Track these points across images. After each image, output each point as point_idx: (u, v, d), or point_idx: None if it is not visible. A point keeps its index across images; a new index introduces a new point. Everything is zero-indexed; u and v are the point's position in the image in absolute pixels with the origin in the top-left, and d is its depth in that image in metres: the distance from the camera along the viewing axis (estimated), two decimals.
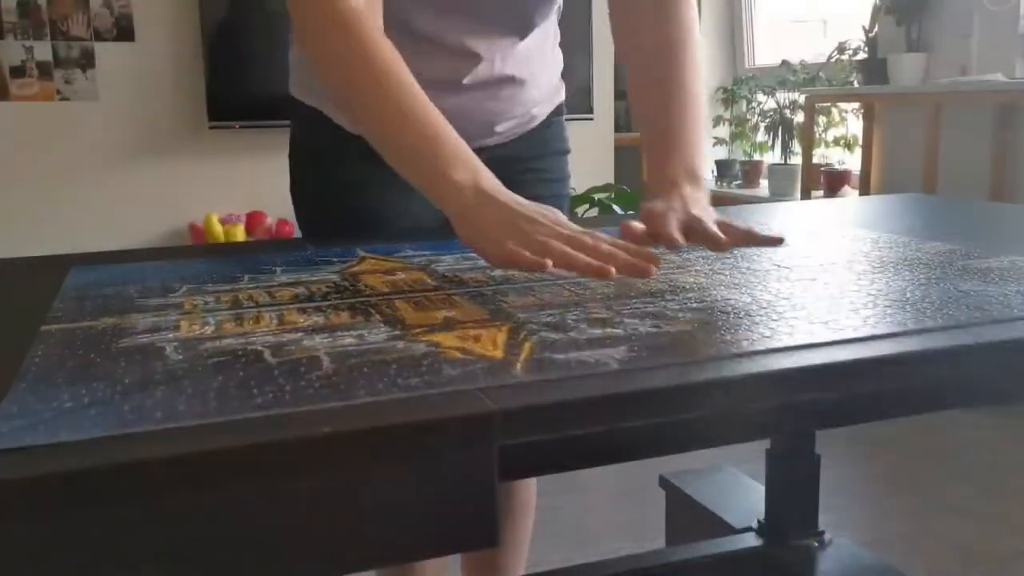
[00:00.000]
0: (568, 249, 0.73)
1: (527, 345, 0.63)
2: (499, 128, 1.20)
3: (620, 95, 4.99)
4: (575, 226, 0.79)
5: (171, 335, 0.68)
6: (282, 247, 1.14)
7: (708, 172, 1.05)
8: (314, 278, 0.88)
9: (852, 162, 4.04)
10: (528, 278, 0.86)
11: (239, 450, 0.46)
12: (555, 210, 0.82)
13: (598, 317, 0.70)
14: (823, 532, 1.03)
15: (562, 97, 1.29)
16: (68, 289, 0.87)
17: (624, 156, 4.40)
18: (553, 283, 0.83)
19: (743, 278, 0.82)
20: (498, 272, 0.89)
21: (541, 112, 1.26)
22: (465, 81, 1.12)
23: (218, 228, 3.52)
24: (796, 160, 4.28)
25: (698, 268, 0.87)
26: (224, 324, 0.71)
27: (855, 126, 4.10)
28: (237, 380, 0.56)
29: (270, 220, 3.65)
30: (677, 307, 0.72)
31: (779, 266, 0.88)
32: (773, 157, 4.47)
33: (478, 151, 1.22)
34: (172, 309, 0.77)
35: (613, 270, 0.69)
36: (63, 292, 0.85)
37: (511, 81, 1.16)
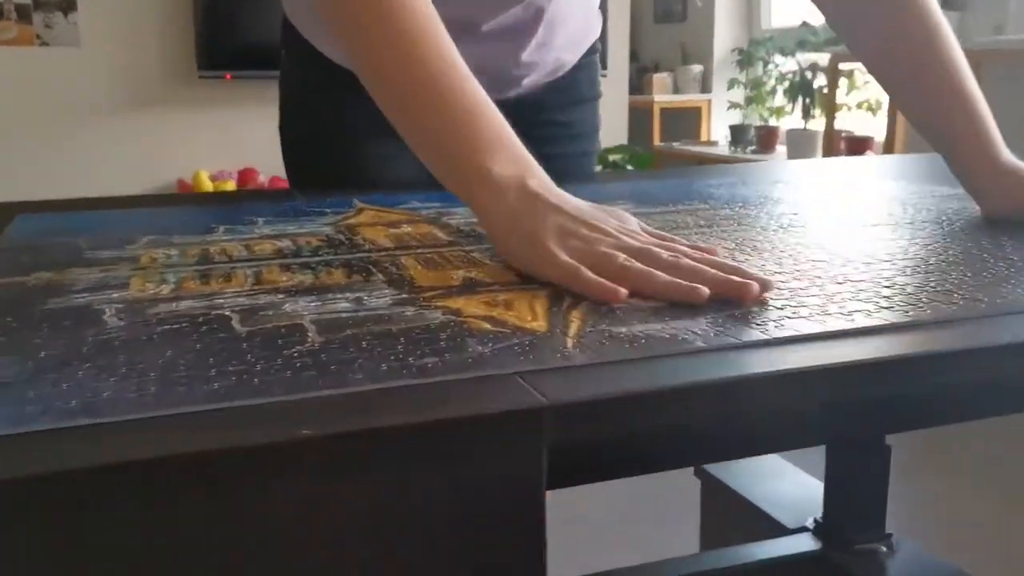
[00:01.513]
0: (642, 267, 0.53)
1: (576, 314, 0.48)
2: (527, 82, 1.04)
3: (633, 56, 4.80)
4: (647, 232, 0.59)
5: (116, 295, 0.53)
6: (269, 197, 0.99)
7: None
8: (302, 230, 0.74)
9: (873, 129, 3.87)
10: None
11: (179, 460, 0.32)
12: (623, 213, 0.61)
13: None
14: (890, 535, 0.89)
15: (597, 32, 1.13)
16: (6, 239, 0.72)
17: (636, 117, 4.23)
18: None
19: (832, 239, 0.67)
20: None
21: (573, 56, 1.09)
22: (485, 28, 0.95)
23: (208, 184, 3.34)
24: (813, 125, 4.11)
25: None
26: (186, 282, 0.56)
27: (877, 89, 3.92)
28: (191, 356, 0.42)
29: (263, 177, 3.47)
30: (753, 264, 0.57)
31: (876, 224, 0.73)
32: (789, 123, 4.29)
33: (495, 101, 1.05)
34: (125, 263, 0.62)
35: (706, 291, 0.49)
36: None
37: (539, 20, 0.98)
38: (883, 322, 0.46)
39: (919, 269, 0.58)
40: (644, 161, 3.50)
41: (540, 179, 0.60)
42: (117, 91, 3.38)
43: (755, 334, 0.45)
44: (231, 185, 3.38)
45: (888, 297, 0.51)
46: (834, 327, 0.46)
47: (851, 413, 0.51)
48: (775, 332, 0.45)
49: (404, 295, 0.52)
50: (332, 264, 0.61)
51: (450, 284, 0.55)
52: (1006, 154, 0.78)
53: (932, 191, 0.92)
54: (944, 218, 0.76)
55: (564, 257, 0.54)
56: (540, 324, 0.46)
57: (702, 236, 0.68)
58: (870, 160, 1.22)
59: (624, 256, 0.53)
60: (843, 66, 3.78)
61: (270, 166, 3.39)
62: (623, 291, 0.50)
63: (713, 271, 0.51)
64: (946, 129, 0.81)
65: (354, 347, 0.43)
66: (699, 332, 0.45)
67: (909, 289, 0.53)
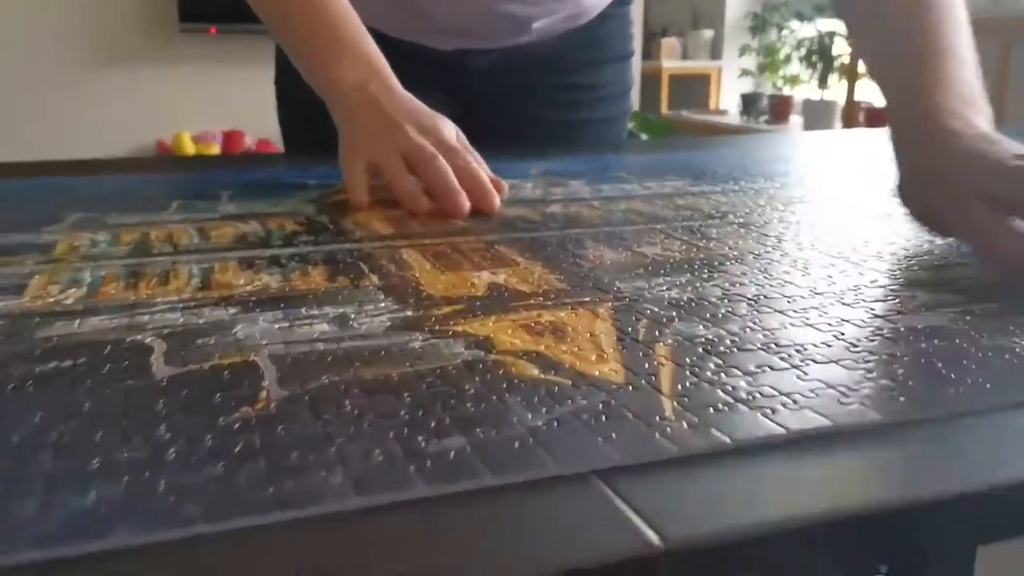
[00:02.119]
0: (441, 166, 0.59)
1: (662, 350, 0.33)
2: (537, 25, 0.87)
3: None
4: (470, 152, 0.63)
5: (1, 304, 0.38)
6: (241, 163, 0.83)
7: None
8: (276, 209, 0.58)
9: None
10: (602, 216, 0.55)
11: None
12: (449, 124, 0.64)
13: (763, 294, 0.40)
14: None
15: None
16: None
17: (644, 84, 4.05)
18: (648, 225, 0.52)
19: None
20: (558, 207, 0.59)
21: (597, 3, 0.92)
22: None
23: (190, 147, 3.12)
24: (829, 95, 3.93)
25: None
26: (105, 285, 0.41)
27: None
28: (71, 425, 0.26)
29: (249, 140, 3.24)
30: (914, 281, 0.42)
31: None
32: (804, 92, 4.12)
33: (506, 50, 0.88)
34: (34, 253, 0.46)
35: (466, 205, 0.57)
36: None
37: None
38: None
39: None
40: (660, 129, 3.33)
41: (385, 82, 0.64)
42: (92, 45, 3.12)
43: (950, 402, 0.29)
44: (215, 148, 3.18)
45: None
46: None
47: None
48: None
49: (408, 311, 0.37)
50: (310, 259, 0.45)
51: (472, 294, 0.39)
52: (974, 129, 0.49)
53: None
54: None
55: (357, 163, 0.60)
56: (614, 368, 0.31)
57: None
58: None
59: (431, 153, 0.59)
60: None
61: (259, 128, 3.18)
62: (361, 199, 0.59)
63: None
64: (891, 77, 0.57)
65: (331, 412, 0.27)
66: (867, 394, 0.29)
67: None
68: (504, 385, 0.29)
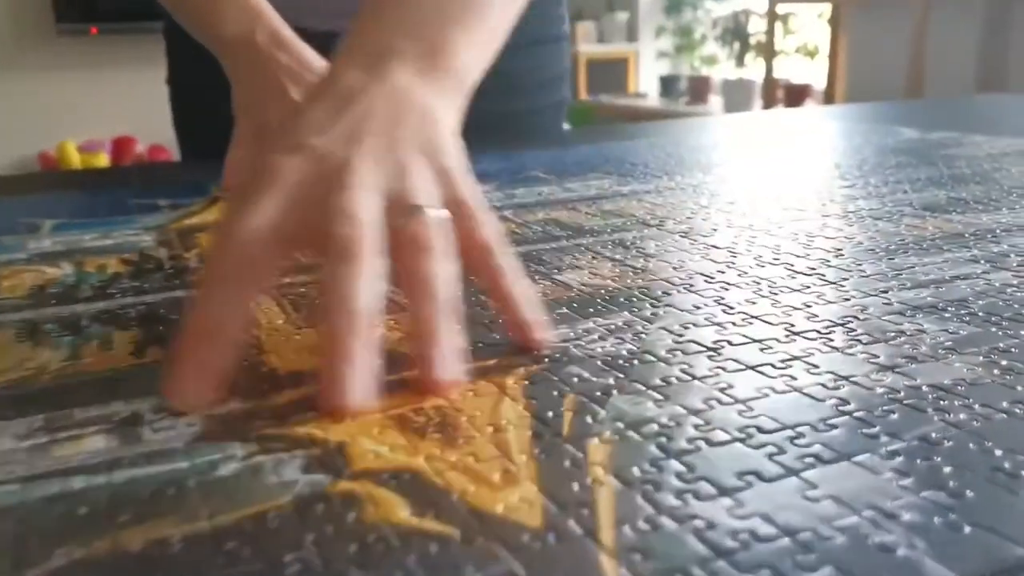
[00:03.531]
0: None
1: (601, 457, 0.22)
2: None
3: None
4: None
5: None
6: (85, 180, 0.70)
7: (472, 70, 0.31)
8: (103, 242, 0.46)
9: (811, 76, 3.68)
10: (516, 232, 0.45)
11: None
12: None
13: (727, 339, 0.30)
14: None
15: None
16: None
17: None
18: (572, 241, 0.42)
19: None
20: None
21: None
22: None
23: (75, 157, 2.89)
24: (748, 74, 3.90)
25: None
26: None
27: (814, 33, 3.74)
28: None
29: (141, 147, 3.02)
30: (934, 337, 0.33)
31: None
32: (722, 72, 4.08)
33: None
34: None
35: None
36: None
37: None
38: None
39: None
40: (580, 116, 3.24)
41: (270, 31, 0.54)
42: None
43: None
44: (103, 158, 2.95)
45: None
46: None
47: None
48: None
49: (234, 403, 0.26)
50: (121, 318, 0.34)
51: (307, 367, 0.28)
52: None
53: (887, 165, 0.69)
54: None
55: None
56: (527, 498, 0.20)
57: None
58: (812, 111, 1.00)
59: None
60: (779, 8, 3.57)
61: (150, 133, 2.95)
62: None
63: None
64: None
65: None
66: (887, 533, 0.19)
67: None
68: (352, 550, 0.18)
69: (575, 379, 0.27)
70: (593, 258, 0.40)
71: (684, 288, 0.35)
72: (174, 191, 0.57)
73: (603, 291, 0.35)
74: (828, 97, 3.40)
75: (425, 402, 0.25)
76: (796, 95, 3.55)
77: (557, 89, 0.84)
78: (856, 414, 0.24)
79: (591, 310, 0.33)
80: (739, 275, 0.37)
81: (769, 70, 3.47)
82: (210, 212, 0.52)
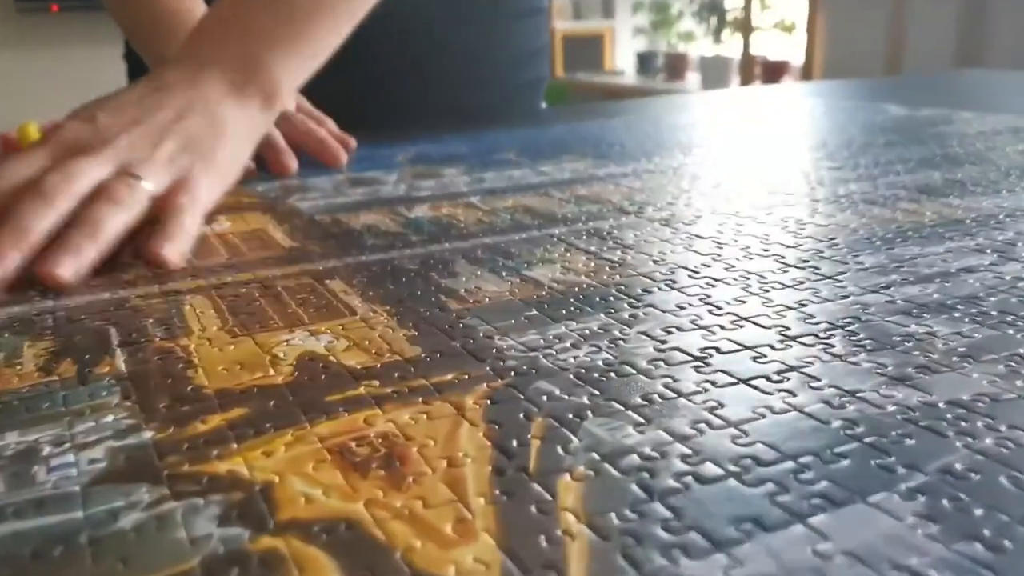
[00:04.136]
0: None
1: (573, 500, 0.19)
2: None
3: None
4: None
5: None
6: None
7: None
8: None
9: (789, 52, 3.65)
10: (483, 220, 0.41)
11: None
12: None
13: (715, 346, 0.26)
14: None
15: None
16: None
17: None
18: (543, 231, 0.39)
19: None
20: (424, 208, 0.44)
21: None
22: None
23: (37, 139, 2.82)
24: (725, 50, 3.87)
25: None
26: None
27: (791, 8, 3.70)
28: None
29: None
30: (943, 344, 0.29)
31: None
32: (699, 48, 4.05)
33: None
34: None
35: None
36: None
37: None
38: None
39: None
40: (555, 94, 3.20)
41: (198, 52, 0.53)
42: None
43: None
44: None
45: None
46: None
47: None
48: None
49: (148, 431, 0.22)
50: (35, 326, 0.30)
51: (267, 381, 0.25)
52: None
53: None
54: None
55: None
56: (483, 558, 0.17)
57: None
58: (791, 88, 0.96)
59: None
60: None
61: None
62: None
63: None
64: None
65: None
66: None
67: None
68: None
69: (544, 397, 0.23)
70: (566, 250, 0.37)
71: (666, 285, 0.32)
72: None
73: (577, 289, 0.32)
74: (806, 73, 3.38)
75: (371, 426, 0.22)
76: (774, 72, 3.53)
77: (534, 65, 0.81)
78: (867, 439, 0.21)
79: (563, 312, 0.30)
80: (726, 269, 0.34)
81: (747, 46, 3.45)
82: None
